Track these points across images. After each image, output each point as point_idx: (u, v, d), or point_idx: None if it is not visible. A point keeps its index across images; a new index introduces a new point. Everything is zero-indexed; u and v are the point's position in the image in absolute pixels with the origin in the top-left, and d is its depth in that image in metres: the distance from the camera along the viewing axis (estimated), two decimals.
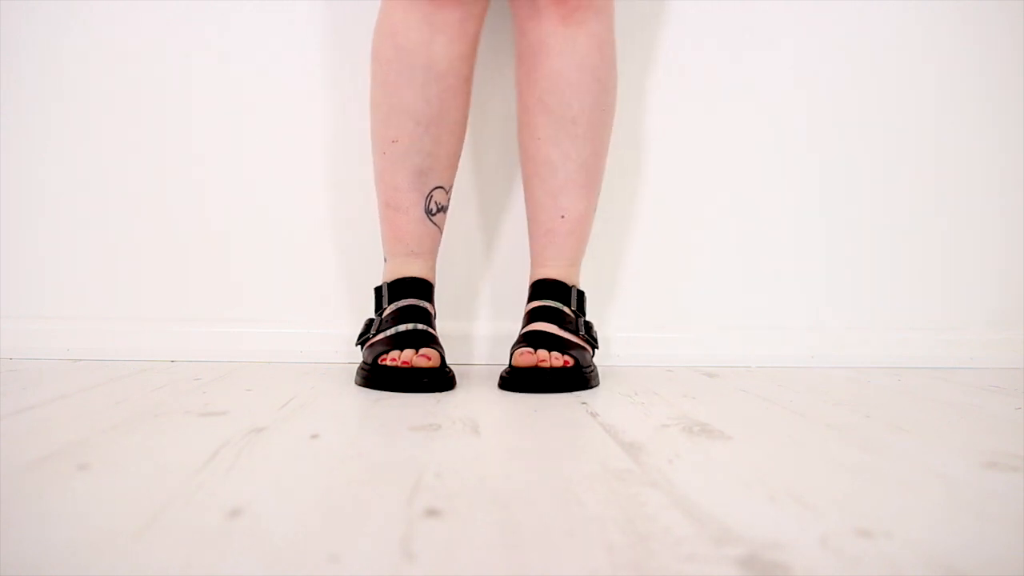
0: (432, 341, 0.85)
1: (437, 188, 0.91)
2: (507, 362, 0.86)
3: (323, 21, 1.10)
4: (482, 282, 1.12)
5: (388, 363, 0.81)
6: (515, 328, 0.94)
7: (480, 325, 1.10)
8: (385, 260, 0.93)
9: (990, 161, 1.15)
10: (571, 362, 0.83)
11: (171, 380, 0.87)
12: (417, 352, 0.81)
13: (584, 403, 0.75)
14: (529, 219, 0.95)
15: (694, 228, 1.14)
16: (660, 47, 1.12)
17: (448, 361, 1.07)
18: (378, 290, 0.92)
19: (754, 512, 0.41)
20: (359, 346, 0.89)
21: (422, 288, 0.90)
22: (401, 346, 0.82)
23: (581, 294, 0.93)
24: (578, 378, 0.83)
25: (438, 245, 0.93)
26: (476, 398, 0.77)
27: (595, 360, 0.91)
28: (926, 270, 1.16)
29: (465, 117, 0.91)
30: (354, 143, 1.10)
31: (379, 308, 0.90)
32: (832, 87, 1.14)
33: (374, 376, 0.82)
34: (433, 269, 0.93)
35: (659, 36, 1.12)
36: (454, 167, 0.92)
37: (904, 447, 0.58)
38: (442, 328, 1.10)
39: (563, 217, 0.91)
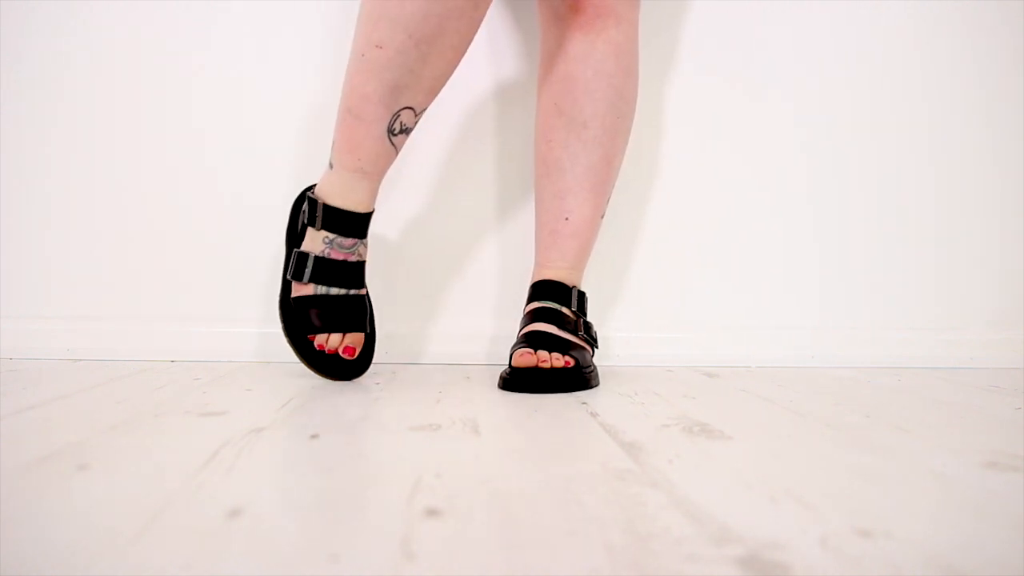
0: (355, 317, 0.85)
1: (406, 108, 0.82)
2: (507, 362, 0.86)
3: (322, 21, 1.10)
4: (485, 282, 1.12)
5: (317, 348, 0.85)
6: (516, 328, 0.94)
7: (481, 324, 1.10)
8: (331, 166, 0.85)
9: (990, 161, 1.15)
10: (571, 362, 0.83)
11: (171, 380, 0.87)
12: (344, 337, 0.85)
13: (584, 403, 0.75)
14: (536, 220, 0.95)
15: (694, 229, 1.14)
16: (662, 54, 1.12)
17: (450, 361, 1.09)
18: (312, 202, 0.84)
19: (754, 512, 0.41)
20: (285, 280, 0.87)
21: (360, 225, 0.85)
22: (330, 327, 0.85)
23: (582, 295, 0.93)
24: (578, 378, 0.83)
25: (389, 168, 0.86)
26: (476, 398, 0.77)
27: (595, 360, 0.91)
28: (926, 270, 1.16)
29: (465, 43, 0.82)
30: None
31: (311, 223, 0.84)
32: (831, 87, 1.14)
33: (311, 360, 0.86)
34: (375, 193, 0.86)
35: (665, 44, 1.12)
36: (435, 92, 0.84)
37: (904, 447, 0.58)
38: (445, 327, 1.10)
39: (567, 219, 0.91)
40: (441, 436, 0.58)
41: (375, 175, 0.85)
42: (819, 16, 1.14)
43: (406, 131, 0.84)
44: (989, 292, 1.16)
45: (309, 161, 1.11)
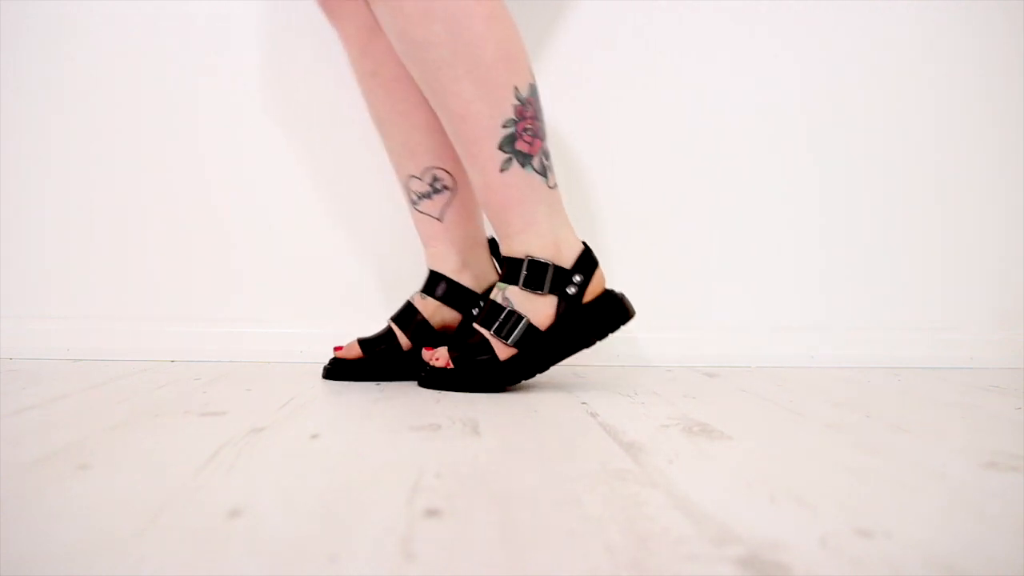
0: (382, 340, 0.91)
1: (410, 177, 0.91)
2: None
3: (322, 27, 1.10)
4: None
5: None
6: None
7: None
8: None
9: (990, 161, 1.15)
10: (448, 364, 0.81)
11: (171, 380, 0.87)
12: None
13: (584, 403, 0.75)
14: None
15: (694, 228, 1.14)
16: (653, 47, 1.12)
17: None
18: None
19: (754, 512, 0.41)
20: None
21: (428, 281, 0.93)
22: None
23: (534, 264, 0.80)
24: (450, 380, 0.81)
25: (439, 232, 0.91)
26: (476, 398, 0.77)
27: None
28: (926, 270, 1.16)
29: (395, 109, 0.89)
30: (354, 144, 1.10)
31: None
32: (831, 87, 1.14)
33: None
34: (440, 255, 0.92)
35: (655, 36, 1.12)
36: (416, 155, 0.90)
37: (904, 447, 0.58)
38: None
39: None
40: (441, 436, 0.58)
41: (426, 243, 0.93)
42: (826, 16, 1.14)
43: (426, 196, 0.91)
44: (989, 292, 1.16)
45: (309, 162, 1.11)
